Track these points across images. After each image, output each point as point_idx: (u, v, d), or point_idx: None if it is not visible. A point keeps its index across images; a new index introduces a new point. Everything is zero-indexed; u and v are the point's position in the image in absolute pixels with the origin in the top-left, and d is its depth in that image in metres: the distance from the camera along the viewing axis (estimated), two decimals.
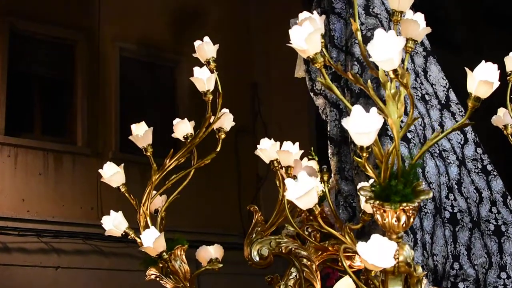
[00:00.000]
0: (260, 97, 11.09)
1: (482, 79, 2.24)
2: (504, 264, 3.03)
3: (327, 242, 3.03)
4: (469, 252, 2.99)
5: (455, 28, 12.28)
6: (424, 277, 2.42)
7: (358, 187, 2.62)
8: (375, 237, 2.17)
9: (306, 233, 3.09)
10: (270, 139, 3.28)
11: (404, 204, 2.18)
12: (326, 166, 3.05)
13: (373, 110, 2.14)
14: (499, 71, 2.35)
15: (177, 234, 3.27)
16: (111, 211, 3.24)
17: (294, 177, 3.12)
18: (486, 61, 2.32)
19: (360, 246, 2.16)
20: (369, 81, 2.35)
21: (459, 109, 3.33)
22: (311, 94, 3.54)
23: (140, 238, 3.09)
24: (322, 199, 2.96)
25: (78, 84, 9.99)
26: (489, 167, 3.23)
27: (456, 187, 3.08)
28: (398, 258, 2.26)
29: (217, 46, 3.42)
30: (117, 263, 9.04)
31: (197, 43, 3.41)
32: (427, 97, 3.26)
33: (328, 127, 3.30)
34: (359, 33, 2.57)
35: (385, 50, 2.15)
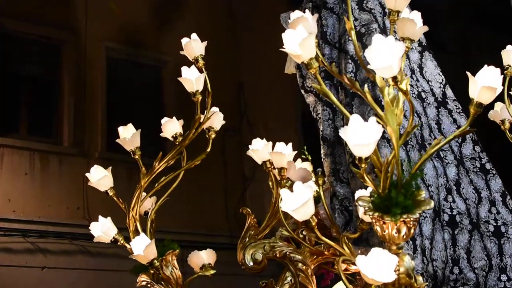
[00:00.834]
0: (246, 97, 11.00)
1: (485, 84, 2.15)
2: (504, 266, 2.95)
3: (322, 245, 2.95)
4: (468, 255, 2.91)
5: (443, 27, 12.17)
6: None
7: (356, 195, 2.54)
8: (375, 251, 2.09)
9: (301, 236, 3.00)
10: (256, 139, 3.20)
11: (405, 216, 2.10)
12: (321, 169, 2.97)
13: (372, 119, 2.05)
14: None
15: (166, 240, 3.18)
16: (100, 216, 3.14)
17: (288, 180, 3.07)
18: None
19: (360, 260, 2.07)
20: (366, 86, 2.25)
21: (456, 106, 3.24)
22: (302, 91, 3.44)
23: (130, 245, 3.00)
24: (317, 200, 2.88)
25: (64, 83, 9.91)
26: (488, 166, 3.14)
27: (455, 188, 3.00)
28: (398, 270, 2.18)
29: (205, 43, 3.32)
30: (104, 263, 8.97)
31: (184, 40, 3.30)
32: (423, 95, 3.17)
33: (321, 127, 3.20)
34: (353, 33, 2.48)
35: (384, 56, 2.05)
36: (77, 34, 10.03)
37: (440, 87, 3.25)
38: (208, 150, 3.36)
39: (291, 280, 3.03)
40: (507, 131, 3.05)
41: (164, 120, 3.41)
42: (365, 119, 2.93)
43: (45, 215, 9.04)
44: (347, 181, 3.03)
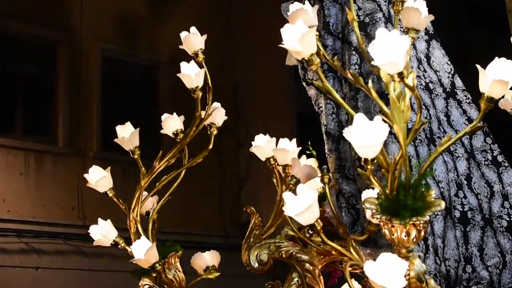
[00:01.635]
0: (242, 97, 10.91)
1: (496, 78, 2.03)
2: None
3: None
4: (481, 252, 2.80)
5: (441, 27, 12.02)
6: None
7: (363, 195, 2.43)
8: (383, 255, 1.99)
9: (307, 235, 2.90)
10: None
11: (415, 219, 1.99)
12: (327, 167, 2.86)
13: (378, 118, 1.93)
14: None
15: (169, 241, 3.09)
16: (99, 219, 3.05)
17: (293, 177, 2.96)
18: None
19: (368, 266, 1.97)
20: (370, 81, 2.14)
21: (465, 96, 3.11)
22: (303, 83, 3.31)
23: (130, 248, 2.91)
24: (322, 198, 2.77)
25: (60, 83, 9.88)
26: (500, 158, 3.01)
27: (466, 183, 2.87)
28: (409, 275, 2.08)
29: (204, 36, 3.21)
30: (98, 263, 8.95)
31: (183, 34, 3.19)
32: (431, 86, 3.04)
33: (324, 121, 3.08)
34: (355, 24, 2.37)
35: (388, 51, 1.93)
36: (72, 34, 10.03)
37: (448, 77, 3.12)
38: (210, 147, 3.27)
39: (298, 281, 2.94)
40: None
41: (165, 117, 3.31)
42: (371, 113, 2.83)
43: (40, 215, 9.05)
44: (354, 177, 2.91)
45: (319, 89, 3.18)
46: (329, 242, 2.30)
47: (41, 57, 9.98)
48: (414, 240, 2.06)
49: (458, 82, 3.14)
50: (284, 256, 2.91)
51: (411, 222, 1.99)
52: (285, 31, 2.11)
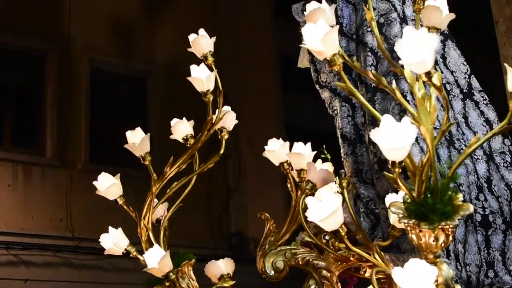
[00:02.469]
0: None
1: None
2: None
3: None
4: (503, 257, 2.73)
5: None
6: None
7: (386, 200, 2.36)
8: (411, 261, 1.92)
9: (324, 241, 2.83)
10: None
11: (444, 223, 1.93)
12: (344, 171, 2.80)
13: (406, 119, 1.87)
14: None
15: (182, 250, 3.02)
16: (110, 227, 2.97)
17: (308, 182, 2.89)
18: None
19: (396, 272, 1.90)
20: (394, 82, 2.07)
21: (482, 97, 3.04)
22: (316, 86, 3.25)
23: (142, 257, 2.83)
24: None
25: (48, 95, 9.81)
26: None
27: (486, 185, 2.81)
28: (437, 281, 2.02)
29: (213, 39, 3.15)
30: (87, 275, 8.82)
31: (192, 37, 3.13)
32: (448, 87, 2.97)
33: (340, 124, 3.01)
34: (374, 23, 2.30)
35: (416, 50, 1.87)
36: (61, 45, 9.96)
37: (465, 77, 3.06)
38: (221, 152, 3.21)
39: None
40: None
41: (174, 122, 3.24)
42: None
43: (28, 227, 8.95)
44: (371, 181, 2.84)
45: (333, 92, 3.12)
46: (354, 248, 2.24)
47: (29, 68, 9.92)
48: (443, 245, 2.00)
49: (475, 83, 3.08)
50: (300, 263, 2.84)
51: (439, 227, 1.93)
52: (306, 30, 2.05)
